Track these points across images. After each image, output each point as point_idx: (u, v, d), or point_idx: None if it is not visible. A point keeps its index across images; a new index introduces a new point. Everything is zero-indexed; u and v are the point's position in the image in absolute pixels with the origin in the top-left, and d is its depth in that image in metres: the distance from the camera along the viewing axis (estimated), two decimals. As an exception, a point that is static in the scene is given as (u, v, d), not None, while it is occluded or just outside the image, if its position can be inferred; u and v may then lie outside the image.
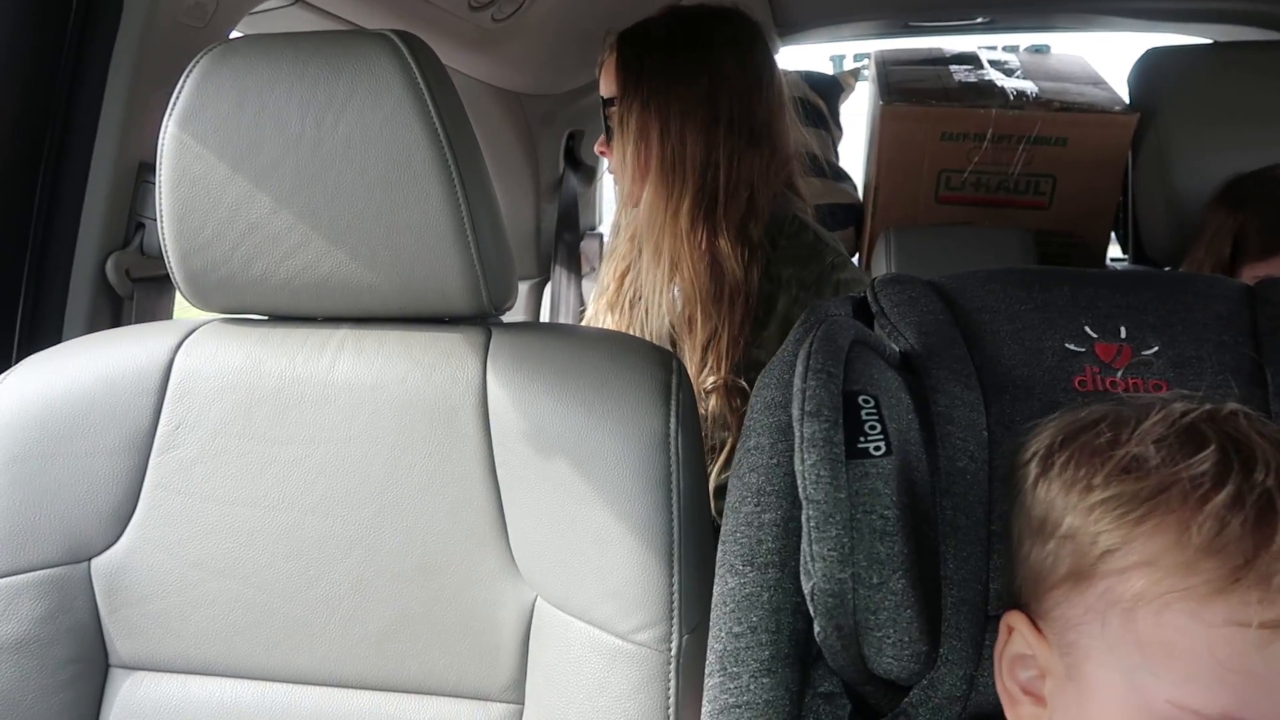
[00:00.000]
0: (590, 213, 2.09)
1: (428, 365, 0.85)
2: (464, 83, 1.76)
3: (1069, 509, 0.56)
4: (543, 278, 2.07)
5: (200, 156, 0.84)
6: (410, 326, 0.88)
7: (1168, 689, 0.51)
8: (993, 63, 2.00)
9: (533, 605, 0.83)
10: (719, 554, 0.69)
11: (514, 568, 0.83)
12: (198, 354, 0.89)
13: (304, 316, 0.91)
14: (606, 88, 1.29)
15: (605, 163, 1.40)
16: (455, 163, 0.81)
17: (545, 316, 2.06)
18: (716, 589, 0.69)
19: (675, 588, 0.78)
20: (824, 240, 1.26)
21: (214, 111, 0.83)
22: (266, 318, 0.93)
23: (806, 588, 0.60)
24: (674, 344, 1.26)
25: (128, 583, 0.88)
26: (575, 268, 1.97)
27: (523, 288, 2.03)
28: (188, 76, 0.84)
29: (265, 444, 0.87)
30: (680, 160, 1.21)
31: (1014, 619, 0.60)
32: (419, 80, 0.80)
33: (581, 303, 1.91)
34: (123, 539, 0.88)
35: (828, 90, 2.13)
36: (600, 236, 2.04)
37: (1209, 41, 1.94)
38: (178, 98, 0.84)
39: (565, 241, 2.05)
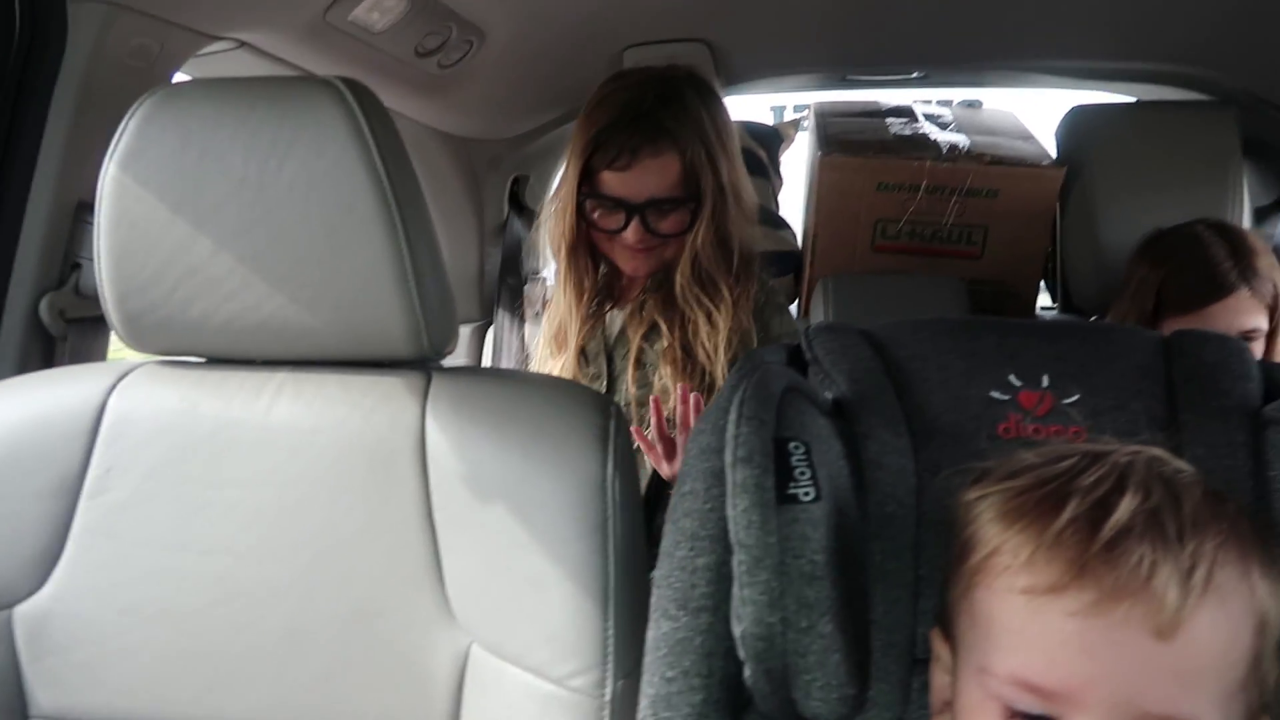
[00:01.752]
0: (534, 257, 2.10)
1: (366, 409, 0.85)
2: (410, 127, 1.77)
3: (962, 514, 0.61)
4: (485, 321, 2.08)
5: (141, 198, 0.83)
6: (350, 370, 0.88)
7: (978, 658, 0.57)
8: (927, 116, 2.06)
9: (467, 651, 0.82)
10: (653, 598, 0.70)
11: (449, 613, 0.82)
12: (132, 396, 0.88)
13: (242, 359, 0.90)
14: (670, 187, 1.29)
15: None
16: (398, 208, 0.82)
17: (487, 360, 2.05)
18: (650, 634, 0.69)
19: (610, 633, 0.78)
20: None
21: (157, 154, 0.83)
22: (204, 360, 0.92)
23: (736, 631, 0.61)
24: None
25: (51, 630, 0.86)
26: (518, 311, 1.98)
27: (465, 331, 2.03)
28: (131, 118, 0.84)
29: (200, 488, 0.86)
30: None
31: (932, 633, 0.64)
32: (363, 127, 0.81)
33: (524, 347, 1.91)
34: (47, 585, 0.86)
35: (768, 140, 2.18)
36: (543, 280, 2.05)
37: (1132, 100, 2.02)
38: (120, 139, 0.84)
39: (508, 285, 2.05)
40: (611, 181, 1.29)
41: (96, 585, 0.85)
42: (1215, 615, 0.52)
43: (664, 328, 1.32)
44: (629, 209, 1.29)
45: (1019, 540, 0.55)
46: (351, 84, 0.83)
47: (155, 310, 0.86)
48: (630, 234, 1.29)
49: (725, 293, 1.31)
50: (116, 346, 1.08)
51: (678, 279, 1.31)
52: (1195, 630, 0.52)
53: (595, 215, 1.32)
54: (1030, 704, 0.54)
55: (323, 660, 0.83)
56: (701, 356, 1.30)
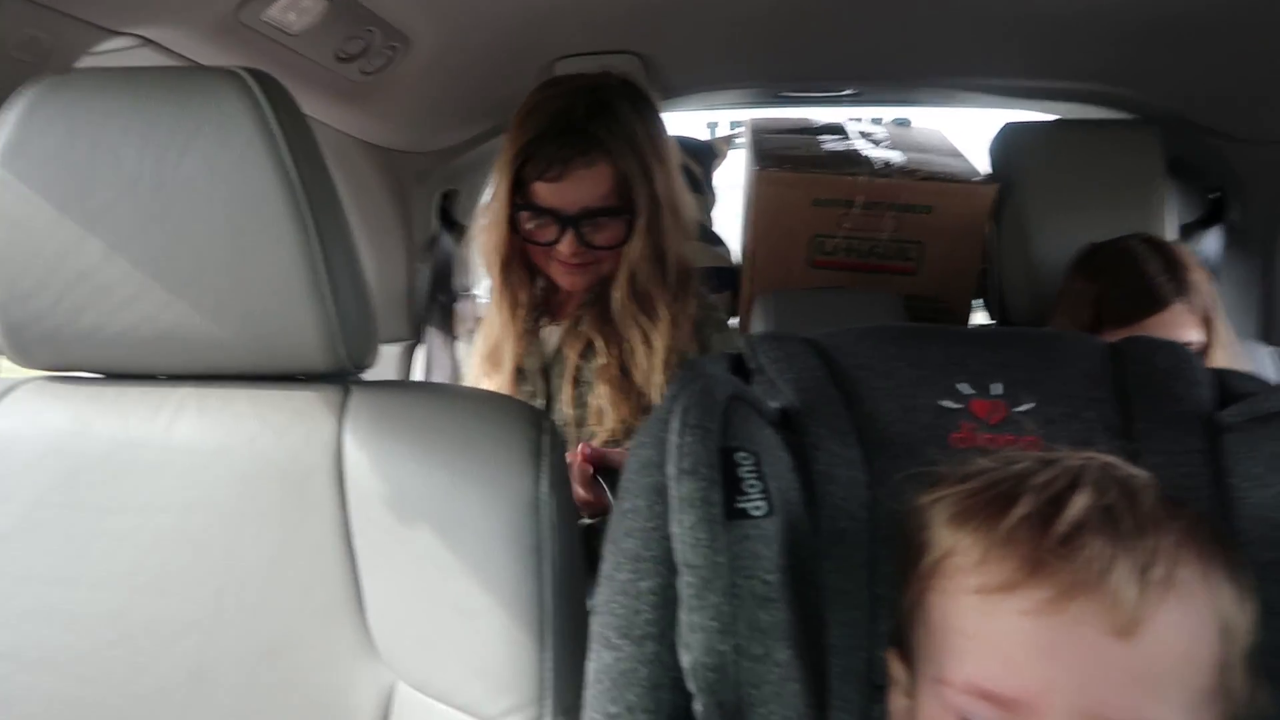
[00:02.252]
0: (465, 274, 2.04)
1: (278, 426, 0.80)
2: (333, 137, 1.71)
3: (915, 520, 0.59)
4: (414, 340, 2.01)
5: (23, 196, 0.77)
6: (260, 385, 0.83)
7: (933, 668, 0.55)
8: (860, 133, 2.07)
9: (391, 690, 0.78)
10: (593, 626, 0.66)
11: (371, 647, 0.78)
12: (15, 415, 0.82)
13: (141, 374, 0.84)
14: (604, 198, 1.26)
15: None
16: (310, 208, 0.76)
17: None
18: (590, 665, 0.65)
19: (546, 665, 0.74)
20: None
21: (41, 147, 0.77)
22: (98, 375, 0.86)
23: (685, 661, 0.57)
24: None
25: (-80, 678, 0.78)
26: (449, 330, 1.92)
27: (393, 350, 1.97)
28: (12, 109, 0.78)
29: (92, 515, 0.80)
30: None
31: (889, 655, 0.61)
32: (271, 119, 0.75)
33: (456, 367, 1.86)
34: (-83, 627, 0.78)
35: (702, 156, 2.16)
36: (475, 298, 2.00)
37: (1056, 118, 2.05)
38: None
39: (439, 303, 2.00)
40: (543, 192, 1.26)
41: (-29, 627, 0.78)
42: (1176, 615, 0.50)
43: (601, 346, 1.29)
44: (562, 221, 1.26)
45: (971, 540, 0.54)
46: (258, 74, 0.77)
47: (40, 320, 0.79)
48: (565, 247, 1.27)
49: (662, 311, 1.29)
50: (8, 366, 1.00)
51: (615, 296, 1.29)
52: (1156, 630, 0.50)
53: (529, 227, 1.29)
54: (988, 715, 0.52)
55: (230, 703, 0.78)
56: (638, 378, 1.27)
